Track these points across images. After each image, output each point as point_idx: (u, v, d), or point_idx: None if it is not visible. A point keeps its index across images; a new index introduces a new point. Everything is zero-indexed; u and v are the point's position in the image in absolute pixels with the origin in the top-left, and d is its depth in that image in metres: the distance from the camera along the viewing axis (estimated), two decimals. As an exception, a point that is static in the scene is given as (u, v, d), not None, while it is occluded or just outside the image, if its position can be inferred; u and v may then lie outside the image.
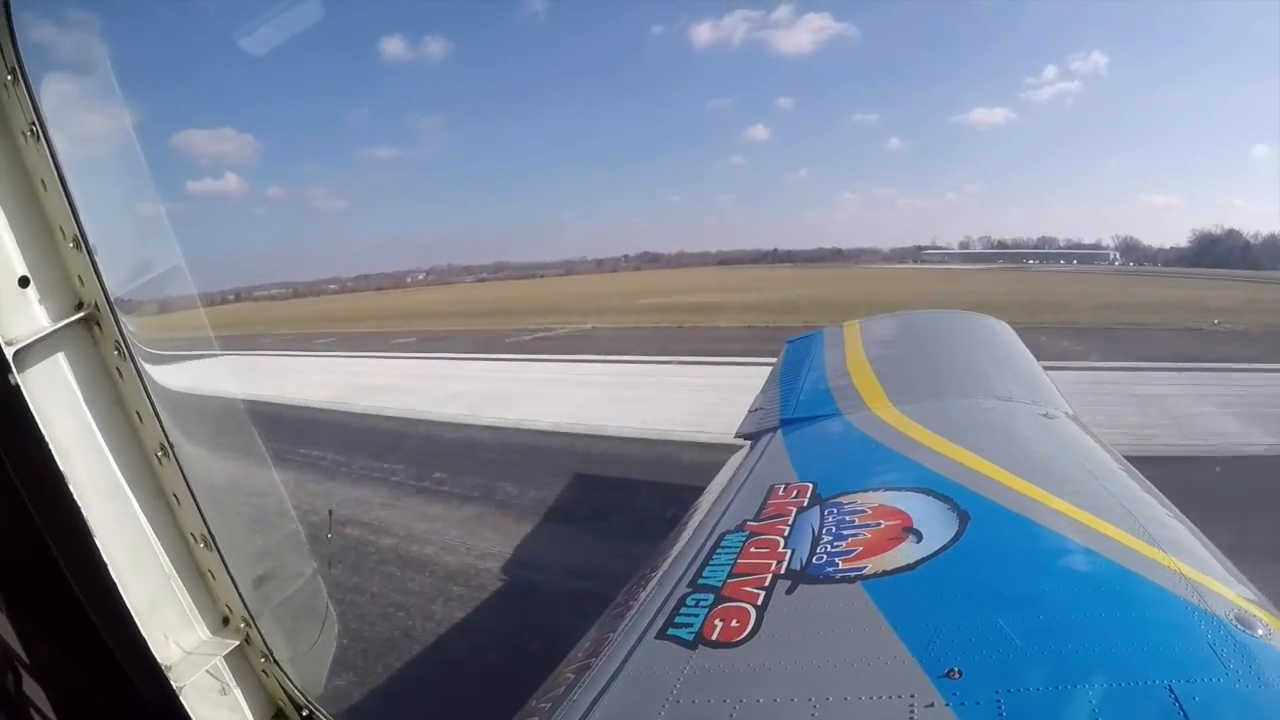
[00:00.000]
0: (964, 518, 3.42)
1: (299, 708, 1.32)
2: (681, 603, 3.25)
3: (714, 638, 2.94)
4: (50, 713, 1.80)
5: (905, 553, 3.24)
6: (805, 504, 3.99)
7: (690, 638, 2.97)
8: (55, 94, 1.18)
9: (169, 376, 1.36)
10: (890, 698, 2.43)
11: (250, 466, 1.48)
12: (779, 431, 5.73)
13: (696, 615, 3.12)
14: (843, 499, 3.92)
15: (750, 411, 6.72)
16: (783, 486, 4.34)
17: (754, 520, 3.94)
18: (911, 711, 2.33)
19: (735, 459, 5.56)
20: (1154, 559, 2.89)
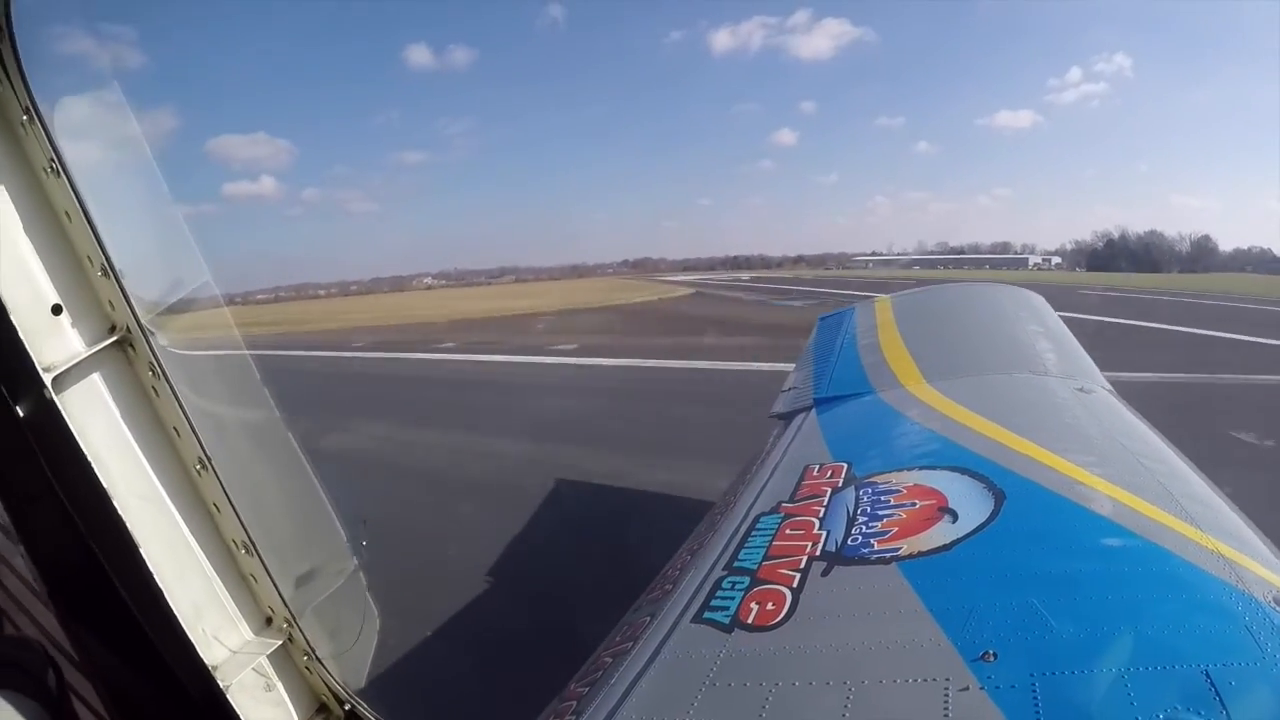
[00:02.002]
0: (1000, 497, 3.40)
1: (341, 702, 1.37)
2: (718, 586, 3.28)
3: (750, 621, 2.97)
4: (103, 712, 1.87)
5: (941, 533, 3.24)
6: (840, 484, 4.00)
7: (726, 621, 3.00)
8: (72, 127, 1.22)
9: (204, 390, 1.41)
10: (925, 681, 2.43)
11: (289, 471, 1.52)
12: (813, 411, 5.72)
13: (733, 598, 3.14)
14: (877, 479, 3.93)
15: (783, 391, 6.69)
16: (817, 467, 4.34)
17: (789, 501, 3.96)
18: (946, 695, 2.34)
19: (771, 439, 5.57)
20: (1192, 539, 2.87)
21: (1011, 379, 5.44)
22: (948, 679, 2.40)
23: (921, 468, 3.93)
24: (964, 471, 3.74)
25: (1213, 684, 2.11)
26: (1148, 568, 2.75)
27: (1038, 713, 2.18)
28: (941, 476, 3.76)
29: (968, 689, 2.35)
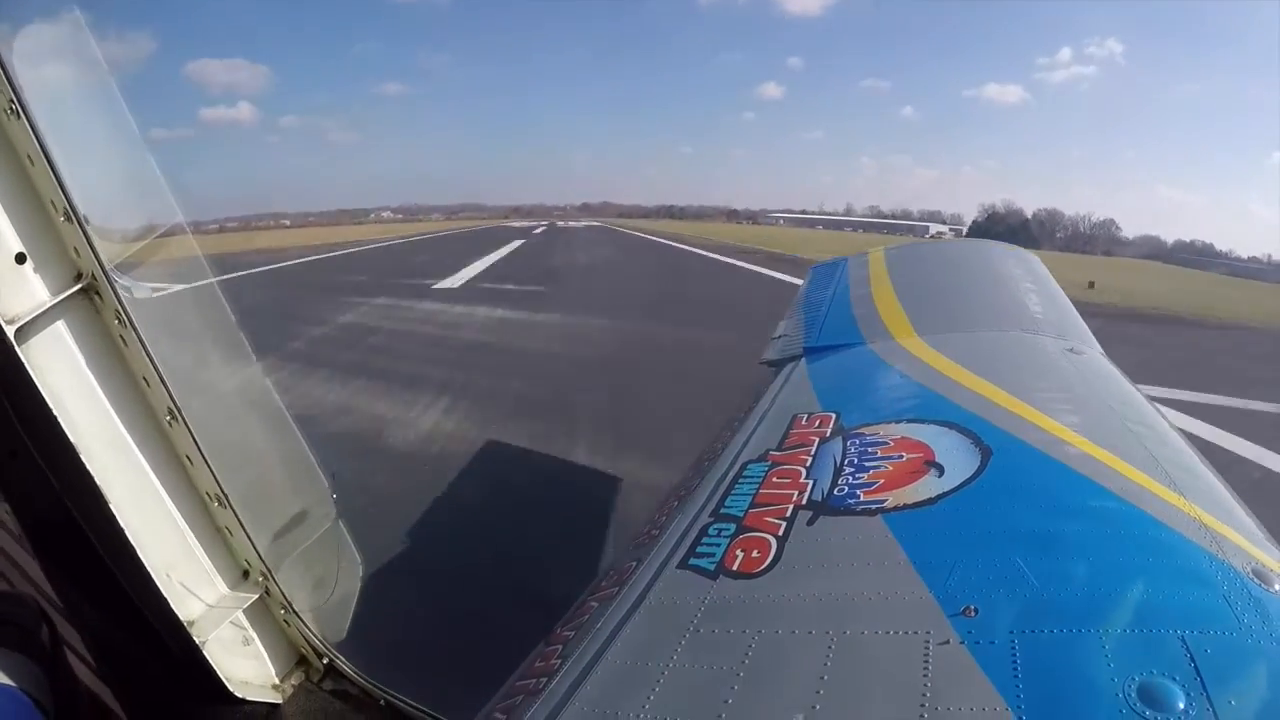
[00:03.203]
0: (986, 453, 3.43)
1: (320, 655, 1.38)
2: (704, 532, 3.32)
3: (735, 568, 3.00)
4: (94, 666, 1.90)
5: (926, 486, 3.28)
6: (828, 434, 4.02)
7: (711, 568, 3.03)
8: (32, 64, 1.18)
9: (175, 338, 1.38)
10: (906, 633, 2.48)
11: (265, 418, 1.50)
12: (803, 360, 5.73)
13: (718, 545, 3.18)
14: (865, 430, 3.95)
15: (773, 338, 6.70)
16: (805, 416, 4.37)
17: (776, 450, 3.99)
18: (926, 648, 2.38)
19: (761, 387, 5.58)
20: (1175, 505, 2.90)
21: (1003, 336, 5.46)
22: (929, 632, 2.44)
23: (909, 421, 3.95)
24: (952, 426, 3.76)
25: (1189, 651, 2.14)
26: (1130, 531, 2.78)
27: (1015, 669, 2.21)
28: (929, 430, 3.79)
29: (948, 643, 2.39)
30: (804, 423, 4.28)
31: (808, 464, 3.73)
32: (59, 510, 1.33)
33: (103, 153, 1.42)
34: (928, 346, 5.22)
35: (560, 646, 3.00)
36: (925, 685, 2.26)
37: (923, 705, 2.18)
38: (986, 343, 5.34)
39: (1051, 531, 2.87)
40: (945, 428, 3.78)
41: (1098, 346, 5.46)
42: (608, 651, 2.73)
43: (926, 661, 2.34)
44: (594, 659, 2.71)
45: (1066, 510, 3.03)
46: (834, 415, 4.25)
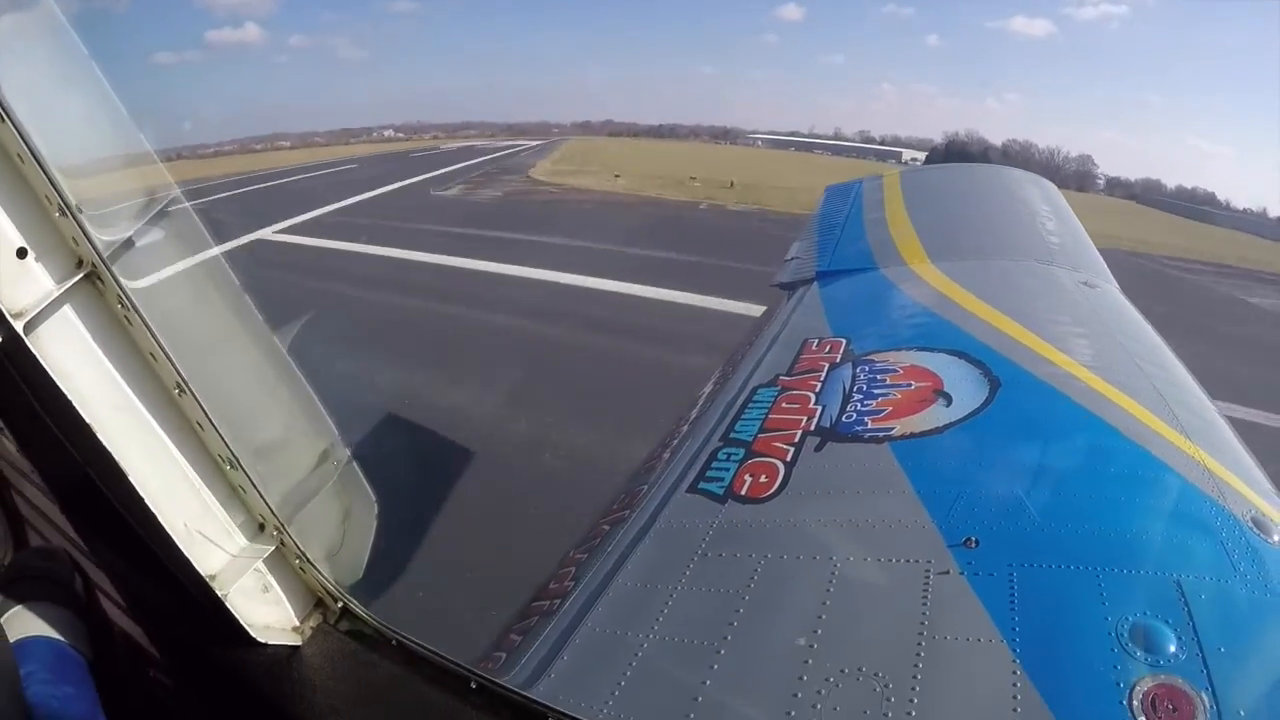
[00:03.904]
0: (995, 384, 3.45)
1: (335, 599, 1.45)
2: (713, 456, 3.36)
3: (743, 493, 3.05)
4: (124, 610, 1.98)
5: (934, 416, 3.30)
6: (838, 360, 4.04)
7: (720, 492, 3.08)
8: (10, 67, 1.16)
9: (178, 310, 1.39)
10: (907, 562, 2.53)
11: (273, 373, 1.53)
12: (815, 284, 5.70)
13: (727, 469, 3.22)
14: (875, 357, 3.97)
15: (786, 260, 6.64)
16: (816, 341, 4.38)
17: (786, 375, 4.01)
18: (927, 577, 2.44)
19: (772, 310, 5.57)
20: (1179, 447, 2.93)
21: (1017, 266, 5.40)
22: (929, 561, 2.50)
23: (919, 349, 3.96)
24: (961, 356, 3.77)
25: (1183, 594, 2.19)
26: (1133, 471, 2.81)
27: (1013, 602, 2.27)
28: (939, 359, 3.80)
29: (948, 573, 2.44)
30: (814, 348, 4.29)
31: (817, 390, 3.74)
32: (83, 479, 1.38)
33: (92, 140, 1.41)
34: (940, 273, 5.19)
35: (573, 569, 3.07)
36: (924, 614, 2.31)
37: (920, 634, 2.24)
38: (1000, 271, 5.30)
39: (1055, 466, 2.91)
40: (955, 357, 3.79)
41: (1113, 281, 5.42)
42: (618, 574, 2.78)
43: (926, 591, 2.40)
44: (605, 581, 2.77)
45: (1070, 446, 3.06)
46: (844, 341, 4.26)
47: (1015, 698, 1.99)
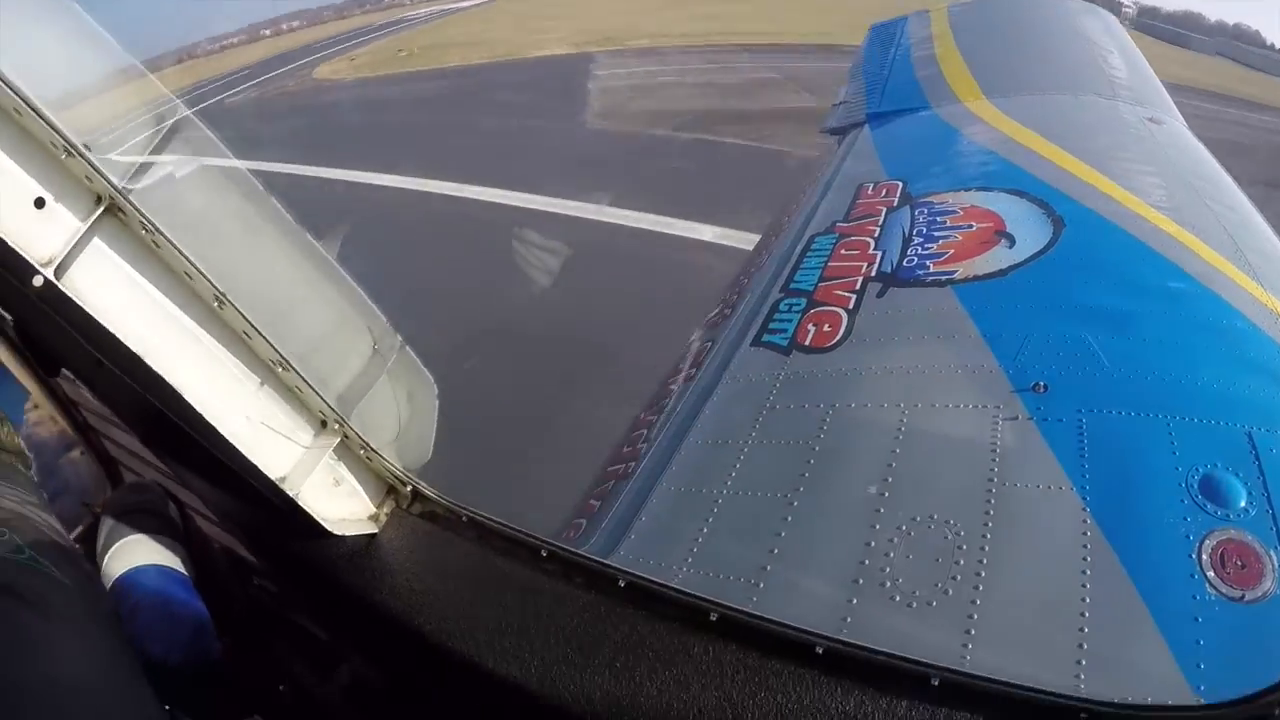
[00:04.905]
0: (1058, 224, 3.36)
1: (404, 483, 1.51)
2: (775, 308, 3.34)
3: (807, 343, 3.04)
4: (217, 525, 2.07)
5: (997, 257, 3.23)
6: (895, 203, 3.94)
7: (784, 343, 3.08)
8: None
9: (202, 224, 1.38)
10: (976, 407, 2.53)
11: (311, 269, 1.52)
12: (866, 126, 5.51)
13: (790, 320, 3.21)
14: (933, 198, 3.86)
15: (835, 105, 6.41)
16: (871, 185, 4.27)
17: (843, 221, 3.93)
18: (996, 423, 2.44)
19: (825, 156, 5.42)
20: (1251, 293, 2.85)
21: (1077, 100, 5.14)
22: (999, 407, 2.49)
23: (979, 189, 3.84)
24: (1022, 195, 3.66)
25: (1254, 446, 2.17)
26: (1203, 315, 2.75)
27: (1082, 450, 2.27)
28: (1000, 199, 3.69)
29: (1016, 418, 2.45)
30: (870, 192, 4.18)
31: (876, 235, 3.67)
32: (146, 406, 1.43)
33: (85, 77, 1.36)
34: (996, 109, 4.99)
35: (645, 431, 3.11)
36: (994, 460, 2.32)
37: (990, 480, 2.25)
38: (1059, 106, 5.06)
39: (1123, 310, 2.83)
40: (1016, 196, 3.68)
41: (1180, 117, 5.16)
42: (690, 434, 2.80)
43: (995, 436, 2.40)
44: (676, 441, 2.80)
45: (1139, 288, 2.98)
46: (900, 184, 4.14)
47: (1085, 547, 2.01)
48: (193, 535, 1.88)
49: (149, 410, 1.47)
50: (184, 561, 1.75)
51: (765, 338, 3.17)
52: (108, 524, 1.74)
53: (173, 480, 2.03)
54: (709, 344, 3.44)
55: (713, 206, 12.29)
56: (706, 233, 11.69)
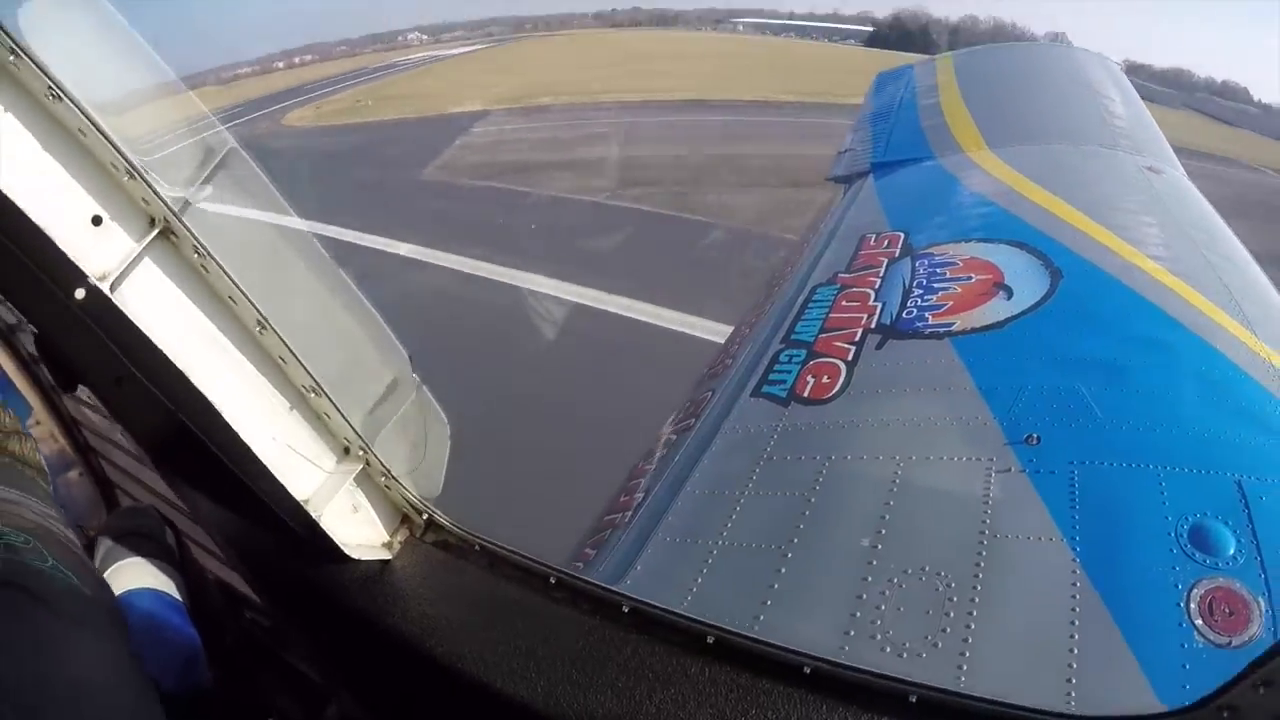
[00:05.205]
0: (1056, 275, 3.39)
1: (420, 512, 1.56)
2: (775, 359, 3.38)
3: (806, 394, 3.07)
4: (216, 554, 2.13)
5: (995, 309, 3.27)
6: (896, 254, 3.99)
7: (784, 395, 3.11)
8: (63, 49, 1.20)
9: (250, 252, 1.45)
10: (970, 460, 2.56)
11: (344, 305, 1.59)
12: (870, 176, 5.59)
13: (789, 371, 3.24)
14: (934, 250, 3.91)
15: (840, 153, 6.48)
16: (874, 236, 4.32)
17: (845, 272, 3.97)
18: (989, 475, 2.46)
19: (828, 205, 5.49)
20: (1245, 343, 2.88)
21: (1078, 150, 5.22)
22: (992, 459, 2.51)
23: (979, 240, 3.89)
24: (1022, 246, 3.70)
25: (1243, 495, 2.19)
26: (1196, 365, 2.77)
27: (1073, 501, 2.29)
28: (999, 250, 3.73)
29: (1009, 470, 2.46)
30: (872, 243, 4.23)
31: (877, 286, 3.71)
32: (174, 426, 1.49)
33: (148, 107, 1.45)
34: (999, 160, 5.05)
35: (642, 480, 3.15)
36: (985, 512, 2.34)
37: (981, 532, 2.27)
38: (1060, 157, 5.13)
39: (1117, 361, 2.86)
40: (1015, 247, 3.72)
41: (1179, 166, 5.21)
42: (687, 483, 2.84)
43: (988, 489, 2.42)
44: (673, 490, 2.83)
45: (1134, 339, 3.01)
46: (902, 234, 4.19)
47: (1074, 597, 2.03)
48: (188, 564, 1.92)
49: (168, 429, 1.53)
50: (179, 588, 1.79)
51: (765, 388, 3.21)
52: (104, 545, 1.77)
53: (169, 507, 2.08)
54: (709, 393, 3.49)
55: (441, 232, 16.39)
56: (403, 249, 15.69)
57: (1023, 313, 3.22)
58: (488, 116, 30.90)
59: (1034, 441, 2.53)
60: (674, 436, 3.33)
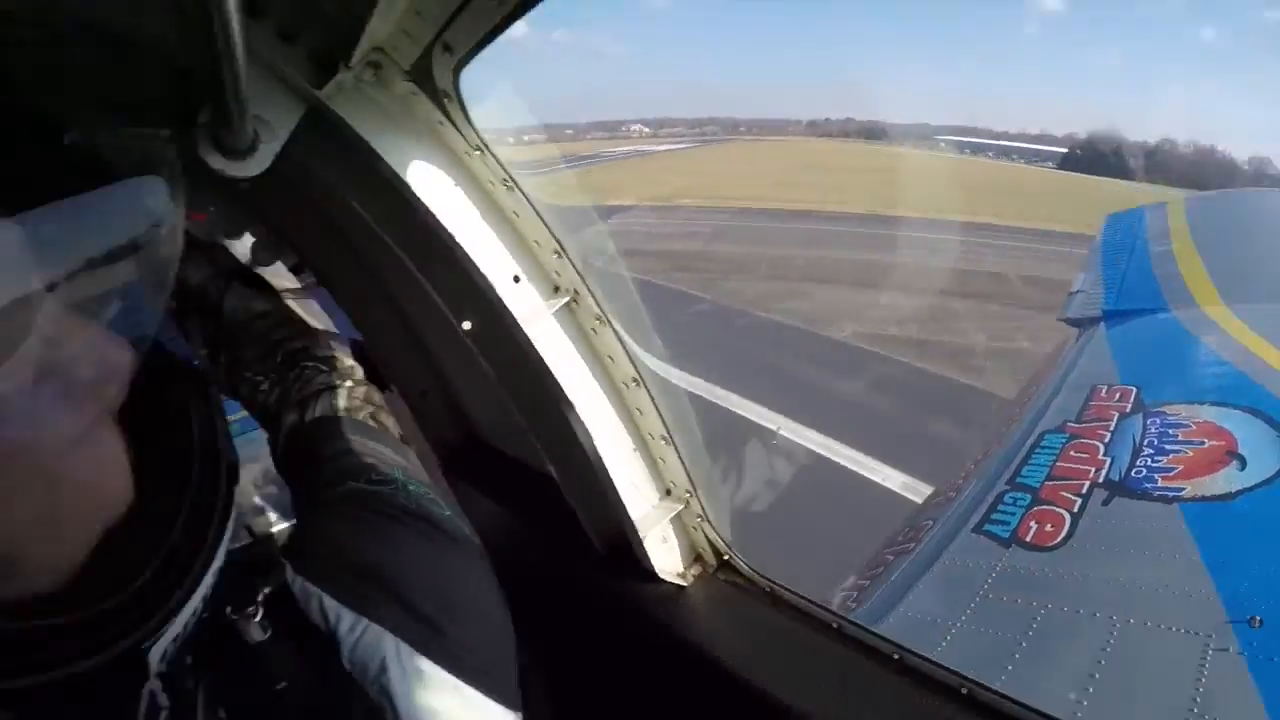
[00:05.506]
0: (1293, 449, 3.28)
1: (719, 553, 1.88)
2: (1000, 499, 3.50)
3: (1028, 539, 3.18)
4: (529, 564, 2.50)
5: (1226, 479, 3.26)
6: (1128, 409, 4.03)
7: (1006, 535, 3.23)
8: (509, 155, 1.61)
9: (634, 325, 1.84)
10: (1187, 632, 2.56)
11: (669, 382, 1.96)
12: (1102, 324, 5.58)
13: (1013, 514, 3.36)
14: (1167, 409, 3.92)
15: (1071, 294, 6.49)
16: (1105, 388, 4.37)
17: (1075, 422, 4.06)
18: (1205, 652, 2.46)
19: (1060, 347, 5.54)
20: None
21: (1324, 314, 4.96)
22: (1210, 635, 2.51)
23: (1214, 404, 3.87)
24: (1258, 414, 3.67)
25: None
26: None
27: None
28: (1234, 416, 3.71)
29: (1227, 650, 2.46)
30: (1104, 395, 4.29)
31: (1106, 440, 3.78)
32: (467, 438, 1.94)
33: (558, 209, 1.88)
34: (1236, 319, 4.95)
35: (856, 593, 3.32)
36: (1197, 690, 2.36)
37: (1190, 711, 2.29)
38: (1304, 320, 4.89)
39: None
40: (1251, 415, 3.69)
41: None
42: (900, 604, 2.98)
43: (1203, 666, 2.43)
44: (886, 610, 2.97)
45: None
46: (1135, 389, 4.22)
47: None
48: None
49: (465, 441, 1.96)
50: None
51: (987, 527, 3.34)
52: None
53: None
54: (929, 522, 3.65)
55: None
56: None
57: (1255, 486, 3.20)
58: (628, 211, 32.29)
59: (1257, 624, 2.52)
60: (890, 557, 3.50)
